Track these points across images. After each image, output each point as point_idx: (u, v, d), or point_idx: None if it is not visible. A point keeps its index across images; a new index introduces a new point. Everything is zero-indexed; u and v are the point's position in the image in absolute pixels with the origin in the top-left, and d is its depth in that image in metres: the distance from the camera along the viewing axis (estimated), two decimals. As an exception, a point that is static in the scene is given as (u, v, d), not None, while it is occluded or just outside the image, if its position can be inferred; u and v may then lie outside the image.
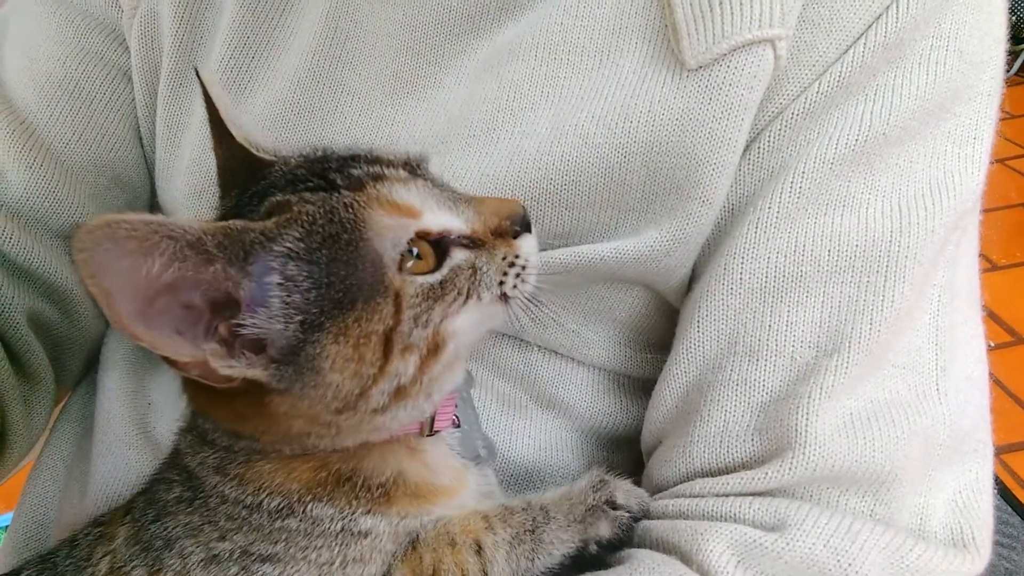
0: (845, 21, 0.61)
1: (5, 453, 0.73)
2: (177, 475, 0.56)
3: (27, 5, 0.79)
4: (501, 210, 0.54)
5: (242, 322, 0.46)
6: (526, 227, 0.54)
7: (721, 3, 0.60)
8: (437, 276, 0.49)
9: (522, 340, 0.71)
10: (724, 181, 0.62)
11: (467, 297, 0.50)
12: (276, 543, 0.50)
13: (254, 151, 0.57)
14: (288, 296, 0.46)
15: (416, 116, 0.72)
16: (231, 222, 0.46)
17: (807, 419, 0.56)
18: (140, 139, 0.82)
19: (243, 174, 0.56)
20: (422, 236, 0.50)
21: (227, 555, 0.50)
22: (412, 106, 0.72)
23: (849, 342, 0.58)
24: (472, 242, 0.52)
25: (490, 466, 0.65)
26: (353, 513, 0.52)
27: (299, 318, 0.46)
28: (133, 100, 0.80)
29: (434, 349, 0.49)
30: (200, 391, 0.50)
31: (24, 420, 0.74)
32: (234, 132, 0.58)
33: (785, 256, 0.60)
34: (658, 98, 0.62)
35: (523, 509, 0.58)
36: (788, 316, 0.60)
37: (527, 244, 0.54)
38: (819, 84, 0.62)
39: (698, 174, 0.62)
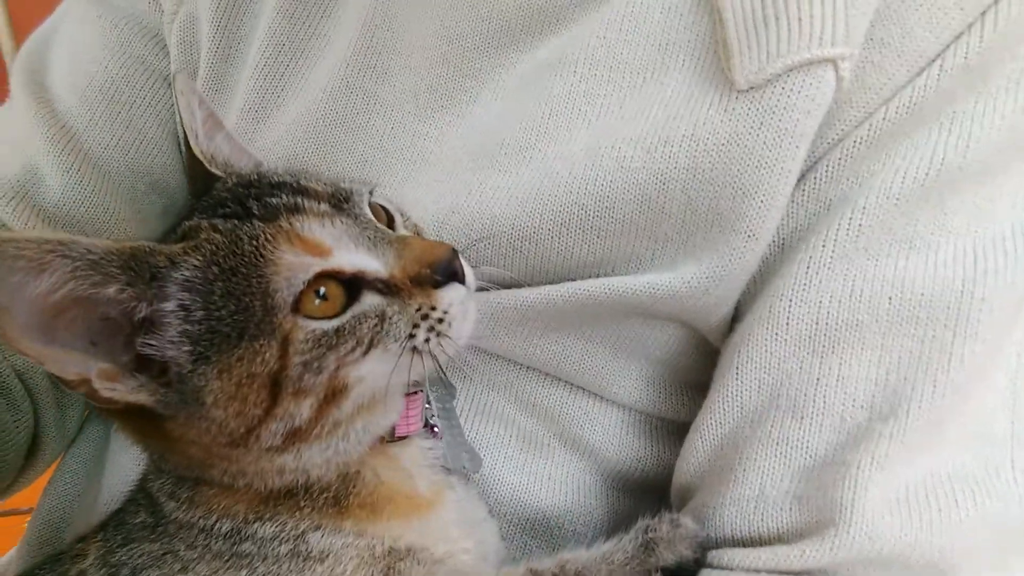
0: (919, 40, 0.55)
1: (38, 455, 0.74)
2: (143, 499, 0.55)
3: (76, 9, 0.80)
4: (425, 256, 0.50)
5: (146, 343, 0.46)
6: (451, 276, 0.50)
7: (777, 17, 0.55)
8: (334, 323, 0.47)
9: (547, 374, 0.67)
10: (773, 214, 0.56)
11: (369, 347, 0.47)
12: (240, 570, 0.48)
13: (206, 163, 0.57)
14: (181, 325, 0.46)
15: (449, 131, 0.69)
16: (140, 243, 0.47)
17: (854, 491, 0.50)
18: (178, 145, 0.81)
19: (202, 185, 0.57)
20: (332, 276, 0.47)
21: None
22: (446, 121, 0.69)
23: (908, 405, 0.51)
24: (387, 287, 0.49)
25: (474, 476, 0.63)
26: (298, 530, 0.49)
27: (187, 348, 0.46)
28: (172, 106, 0.79)
29: (332, 396, 0.47)
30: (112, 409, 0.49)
31: (57, 423, 0.75)
32: (192, 142, 0.57)
33: (839, 301, 0.54)
34: (703, 121, 0.56)
35: (554, 575, 0.54)
36: (840, 370, 0.53)
37: (449, 295, 0.50)
38: (887, 110, 0.55)
39: (744, 205, 0.56)
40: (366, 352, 0.47)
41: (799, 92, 0.54)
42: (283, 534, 0.49)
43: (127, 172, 0.78)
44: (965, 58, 0.53)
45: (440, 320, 0.49)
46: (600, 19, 0.63)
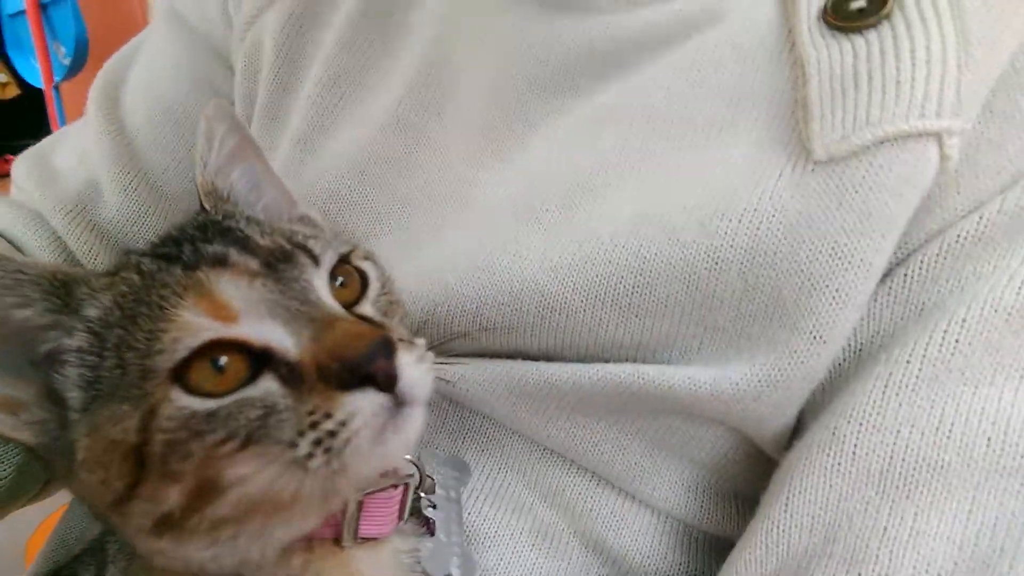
0: None
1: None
2: (100, 545, 0.51)
3: (159, 27, 0.81)
4: (340, 345, 0.39)
5: (55, 375, 0.42)
6: (365, 379, 0.38)
7: (871, 77, 0.45)
8: (209, 404, 0.38)
9: (573, 461, 0.59)
10: (848, 314, 0.46)
11: (246, 443, 0.38)
12: None
13: (200, 194, 0.52)
14: (77, 367, 0.41)
15: (494, 179, 0.63)
16: (76, 271, 0.43)
17: None
18: None
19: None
20: (236, 346, 0.39)
21: None
22: (494, 167, 0.63)
23: None
24: (291, 374, 0.39)
25: None
26: None
27: (77, 394, 0.41)
28: None
29: (204, 490, 0.38)
30: None
31: None
32: (197, 170, 0.53)
33: (923, 434, 0.43)
34: (769, 194, 0.47)
35: None
36: (914, 523, 0.43)
37: (356, 403, 0.38)
38: (1004, 200, 0.45)
39: (811, 300, 0.46)
40: (241, 449, 0.38)
41: (890, 170, 0.45)
42: None
43: (184, 195, 0.77)
44: None
45: (332, 433, 0.38)
46: (666, 66, 0.55)
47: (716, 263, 0.49)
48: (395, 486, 0.49)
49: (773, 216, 0.47)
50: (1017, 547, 0.40)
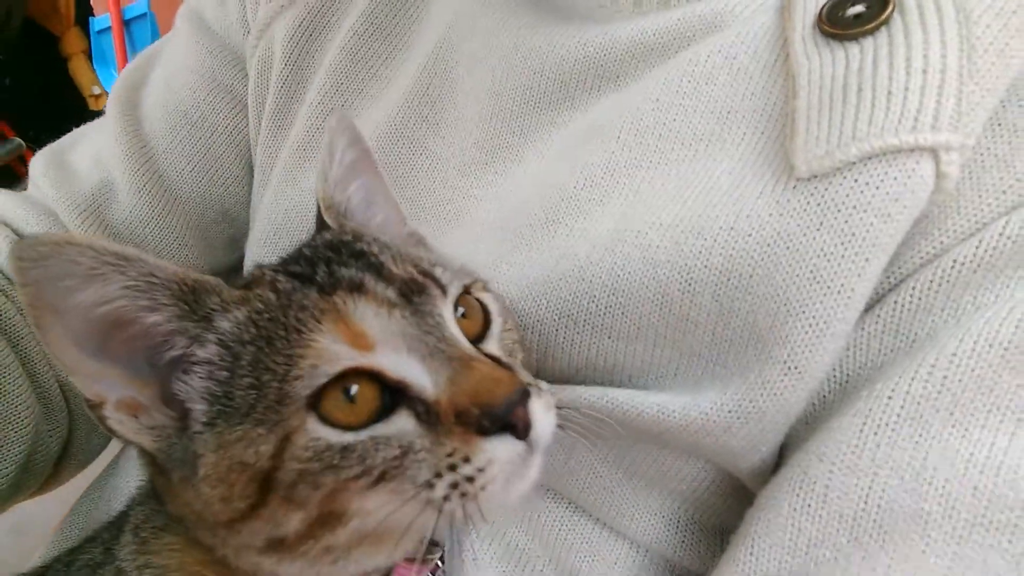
0: None
1: (64, 465, 0.75)
2: (109, 531, 0.51)
3: (181, 30, 0.82)
4: (480, 389, 0.38)
5: (179, 382, 0.41)
6: (505, 426, 0.38)
7: (860, 88, 0.42)
8: (346, 438, 0.37)
9: (549, 488, 0.56)
10: (826, 344, 0.43)
11: (379, 480, 0.37)
12: None
13: (322, 208, 0.51)
14: (205, 380, 0.40)
15: (488, 192, 0.62)
16: (206, 278, 0.42)
17: None
18: (252, 177, 0.82)
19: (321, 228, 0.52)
20: (371, 376, 0.39)
21: None
22: (488, 180, 0.62)
23: None
24: (428, 414, 0.38)
25: None
26: None
27: (203, 407, 0.40)
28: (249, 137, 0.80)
29: (327, 519, 0.38)
30: None
31: (87, 437, 0.76)
32: (319, 183, 0.52)
33: (903, 479, 0.39)
34: (747, 212, 0.45)
35: None
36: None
37: (496, 449, 0.38)
38: (1008, 223, 0.40)
39: (786, 327, 0.43)
40: (374, 484, 0.38)
41: (876, 188, 0.41)
42: None
43: (198, 199, 0.79)
44: None
45: (470, 479, 0.38)
46: (658, 78, 0.53)
47: (689, 284, 0.46)
48: (424, 561, 0.48)
49: (749, 236, 0.44)
50: None
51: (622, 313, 0.48)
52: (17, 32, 2.55)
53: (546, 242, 0.54)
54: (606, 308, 0.49)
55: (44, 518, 0.87)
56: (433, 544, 0.50)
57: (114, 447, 0.80)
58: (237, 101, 0.79)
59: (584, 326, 0.50)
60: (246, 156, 0.80)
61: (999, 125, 0.42)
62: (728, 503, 0.53)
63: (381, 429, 0.38)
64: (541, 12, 0.62)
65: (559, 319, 0.50)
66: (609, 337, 0.49)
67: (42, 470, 0.72)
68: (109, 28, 2.43)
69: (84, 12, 2.61)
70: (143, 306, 0.40)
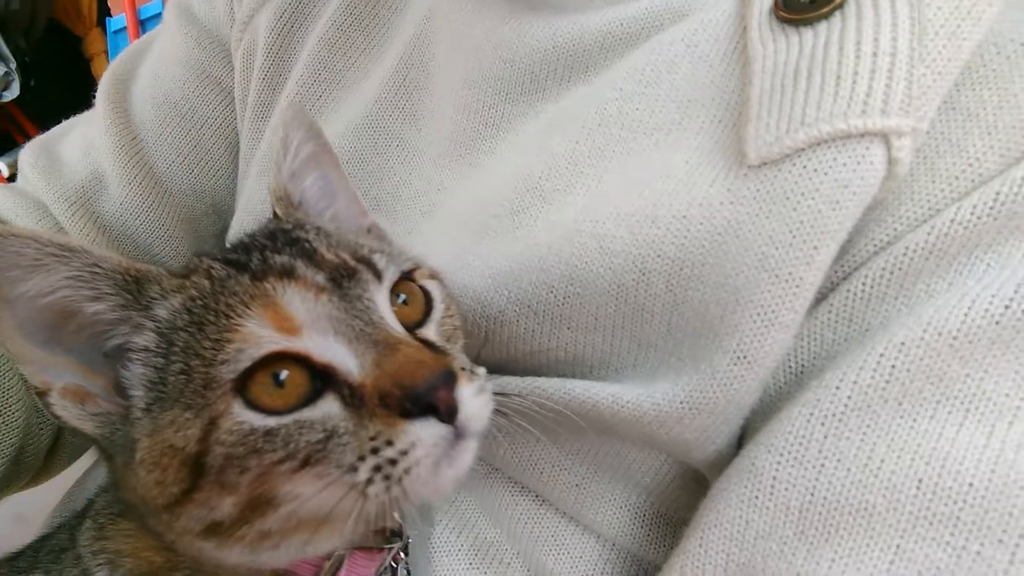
0: None
1: (54, 460, 0.77)
2: (77, 520, 0.52)
3: (170, 23, 0.83)
4: (403, 373, 0.38)
5: (121, 366, 0.42)
6: (427, 408, 0.38)
7: (810, 73, 0.41)
8: (269, 422, 0.38)
9: (516, 481, 0.56)
10: (775, 334, 0.42)
11: (304, 464, 0.38)
12: None
13: (272, 198, 0.52)
14: (142, 367, 0.42)
15: (462, 184, 0.62)
16: (149, 268, 0.43)
17: None
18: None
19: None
20: (298, 360, 0.39)
21: None
22: (461, 172, 0.62)
23: None
24: (353, 397, 0.39)
25: None
26: None
27: (141, 393, 0.41)
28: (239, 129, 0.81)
29: (256, 504, 0.38)
30: None
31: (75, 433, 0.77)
32: (273, 174, 0.53)
33: (849, 471, 0.39)
34: (699, 200, 0.44)
35: None
36: (830, 570, 0.38)
37: (418, 432, 0.38)
38: (961, 208, 0.39)
39: (735, 316, 0.43)
40: (300, 468, 0.38)
41: (825, 174, 0.40)
42: None
43: (188, 191, 0.80)
44: None
45: (393, 462, 0.38)
46: (623, 67, 0.53)
47: (644, 274, 0.46)
48: (381, 549, 0.49)
49: (701, 225, 0.44)
50: None
51: (580, 303, 0.48)
52: (41, 33, 2.61)
53: (511, 233, 0.54)
54: (564, 298, 0.49)
55: (46, 505, 0.89)
56: (394, 534, 0.51)
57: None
58: (226, 93, 0.80)
59: (544, 317, 0.50)
60: (235, 148, 0.81)
61: (953, 109, 0.41)
62: (692, 497, 0.52)
63: (307, 413, 0.38)
64: (514, 3, 0.61)
65: (521, 310, 0.50)
66: (568, 328, 0.49)
67: (33, 463, 0.73)
68: (125, 28, 2.47)
69: (103, 13, 2.65)
70: (86, 296, 0.40)
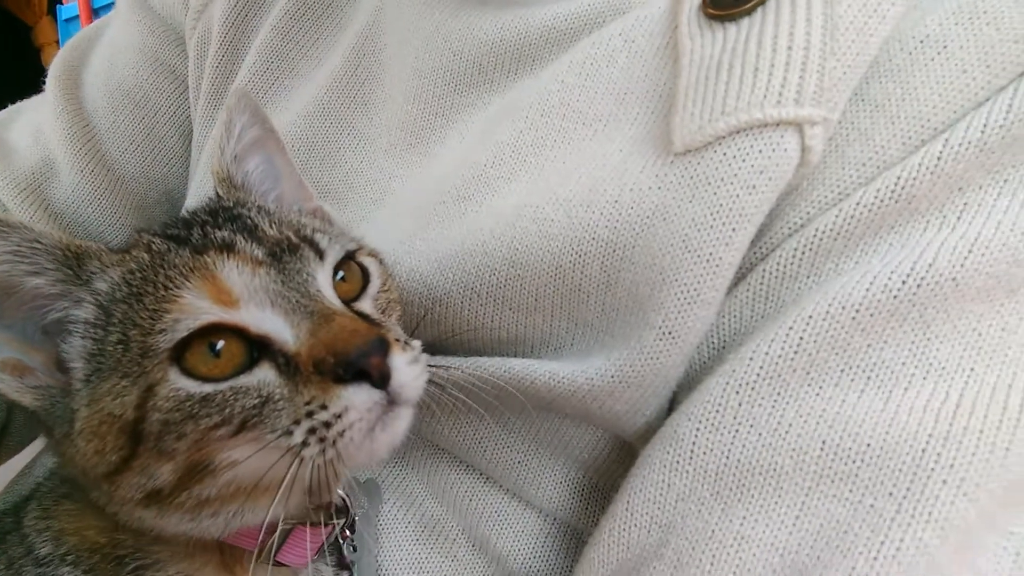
0: (924, 104, 0.42)
1: (3, 445, 0.77)
2: (23, 503, 0.53)
3: (123, 11, 0.84)
4: (337, 341, 0.40)
5: (61, 341, 0.44)
6: (359, 374, 0.40)
7: (731, 66, 0.45)
8: (205, 388, 0.40)
9: (461, 459, 0.59)
10: (697, 311, 0.46)
11: (240, 429, 0.40)
12: None
13: (215, 180, 0.55)
14: (82, 339, 0.43)
15: (412, 172, 0.64)
16: (88, 244, 0.45)
17: None
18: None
19: None
20: (235, 332, 0.41)
21: None
22: (412, 161, 0.65)
23: None
24: (288, 365, 0.41)
25: None
26: None
27: (80, 365, 0.43)
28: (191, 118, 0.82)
29: (194, 470, 0.40)
30: None
31: (26, 419, 0.77)
32: (216, 157, 0.55)
33: (760, 435, 0.42)
34: (630, 186, 0.47)
35: None
36: (742, 527, 0.41)
37: (351, 397, 0.40)
38: (866, 192, 0.43)
39: (661, 294, 0.46)
40: (235, 434, 0.40)
41: (743, 161, 0.44)
42: None
43: (141, 178, 0.81)
44: (982, 132, 0.40)
45: (327, 424, 0.40)
46: (565, 60, 0.56)
47: (580, 256, 0.49)
48: (324, 524, 0.51)
49: (632, 209, 0.47)
50: (833, 555, 0.39)
51: (521, 285, 0.51)
52: (-11, 23, 2.56)
53: (457, 218, 0.56)
54: (506, 280, 0.51)
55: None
56: (340, 512, 0.53)
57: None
58: (179, 81, 0.81)
59: (487, 299, 0.52)
60: (188, 135, 0.82)
61: (862, 100, 0.44)
62: (626, 470, 0.55)
63: (243, 380, 0.40)
64: None
65: (465, 292, 0.53)
66: (510, 309, 0.52)
67: None
68: (77, 16, 2.43)
69: (55, 1, 2.61)
70: (25, 270, 0.42)
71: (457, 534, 0.59)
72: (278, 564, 0.49)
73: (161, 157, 0.82)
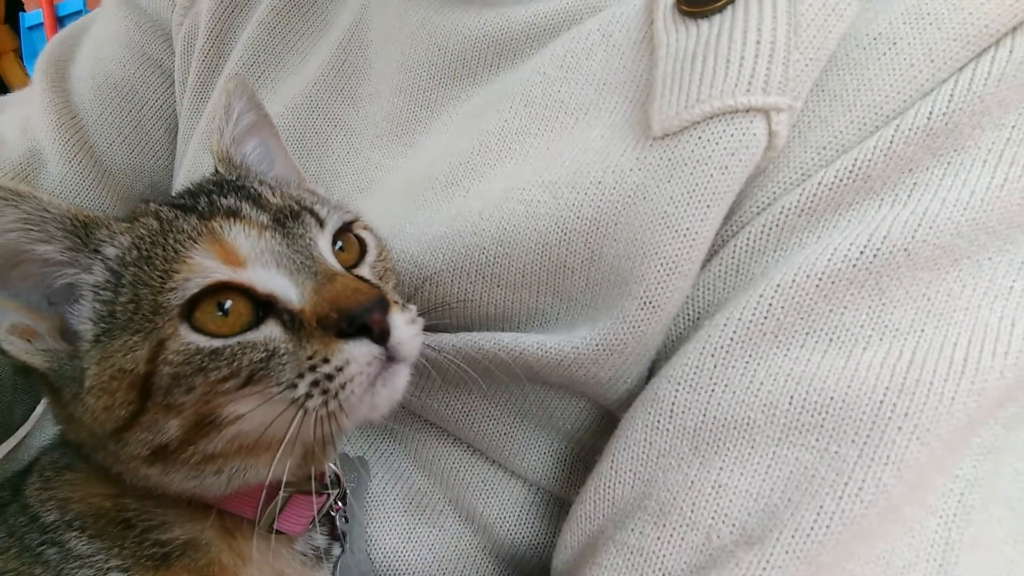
0: (878, 94, 0.47)
1: None
2: (18, 477, 0.55)
3: (109, 6, 0.87)
4: (340, 298, 0.43)
5: (69, 310, 0.46)
6: (361, 330, 0.43)
7: (705, 57, 0.49)
8: (214, 343, 0.42)
9: (448, 432, 0.62)
10: (675, 282, 0.50)
11: (247, 382, 0.42)
12: None
13: (215, 160, 0.57)
14: (92, 302, 0.46)
15: (399, 162, 0.68)
16: (95, 215, 0.47)
17: None
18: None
19: None
20: (242, 291, 0.44)
21: None
22: (398, 151, 0.68)
23: (781, 532, 0.42)
24: (293, 321, 0.44)
25: None
26: (107, 563, 0.46)
27: (89, 327, 0.45)
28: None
29: (201, 424, 0.43)
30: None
31: (9, 409, 0.78)
32: (215, 140, 0.58)
33: (734, 394, 0.46)
34: (612, 168, 0.51)
35: None
36: (718, 477, 0.45)
37: (352, 351, 0.43)
38: (826, 173, 0.48)
39: (643, 267, 0.50)
40: (242, 387, 0.42)
41: (716, 144, 0.48)
42: (90, 560, 0.47)
43: (128, 170, 0.83)
44: (928, 119, 0.45)
45: (330, 377, 0.42)
46: (546, 54, 0.60)
47: (565, 234, 0.52)
48: (319, 493, 0.54)
49: (615, 188, 0.51)
50: (803, 497, 0.43)
51: (509, 263, 0.55)
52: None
53: (446, 203, 0.60)
54: (495, 259, 0.55)
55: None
56: (333, 484, 0.56)
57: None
58: (166, 75, 0.84)
59: (477, 277, 0.56)
60: (174, 129, 0.84)
61: (822, 91, 0.49)
62: (607, 441, 0.59)
63: (250, 336, 0.43)
64: None
65: (455, 271, 0.56)
66: (499, 286, 0.56)
67: None
68: (41, 24, 2.42)
69: (14, 9, 2.59)
70: (36, 237, 0.45)
71: (444, 505, 0.62)
72: (276, 533, 0.51)
73: (148, 150, 0.84)
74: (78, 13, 2.35)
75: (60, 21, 2.38)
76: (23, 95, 0.86)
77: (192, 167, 0.76)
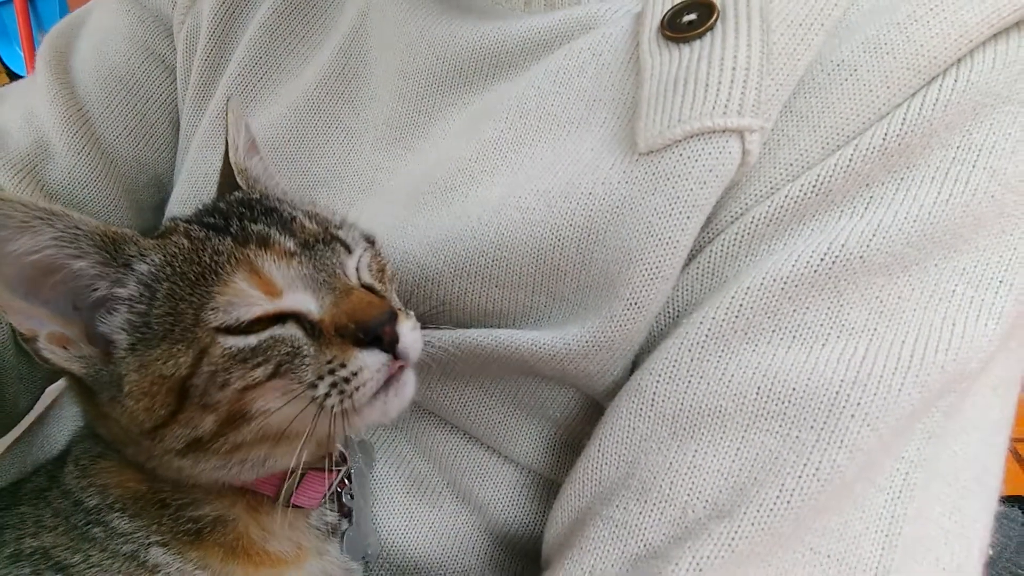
0: (838, 116, 0.53)
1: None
2: (54, 464, 0.60)
3: (108, 0, 0.90)
4: (356, 311, 0.50)
5: (102, 320, 0.51)
6: (374, 340, 0.50)
7: (687, 81, 0.55)
8: (251, 339, 0.49)
9: (445, 420, 0.68)
10: (658, 285, 0.56)
11: (274, 373, 0.48)
12: (76, 553, 0.52)
13: (236, 174, 0.63)
14: (126, 313, 0.51)
15: (399, 166, 0.73)
16: (124, 231, 0.52)
17: None
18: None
19: (228, 190, 0.63)
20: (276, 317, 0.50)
21: (28, 552, 0.53)
22: (398, 155, 0.73)
23: (748, 507, 0.49)
24: (312, 329, 0.50)
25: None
26: (148, 539, 0.52)
27: (124, 336, 0.50)
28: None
29: (234, 418, 0.49)
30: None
31: (14, 400, 0.82)
32: (231, 153, 0.63)
33: (708, 385, 0.53)
34: (602, 180, 0.57)
35: None
36: (694, 458, 0.52)
37: (366, 359, 0.49)
38: (792, 187, 0.54)
39: (629, 272, 0.56)
40: (270, 377, 0.48)
41: (695, 161, 0.54)
42: (132, 535, 0.53)
43: (133, 163, 0.87)
44: (883, 140, 0.52)
45: (346, 380, 0.49)
46: (541, 68, 0.65)
47: (558, 240, 0.58)
48: (330, 470, 0.60)
49: (604, 199, 0.57)
50: (767, 476, 0.49)
51: (506, 265, 0.60)
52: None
53: (445, 206, 0.65)
54: (493, 261, 0.61)
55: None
56: (340, 463, 0.62)
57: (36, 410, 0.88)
58: (169, 70, 0.88)
59: (475, 277, 0.62)
60: (177, 123, 0.89)
61: (790, 112, 0.55)
62: (593, 427, 0.66)
63: (277, 331, 0.49)
64: (445, 5, 0.73)
65: (455, 272, 0.62)
66: (496, 286, 0.61)
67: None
68: (11, 2, 2.41)
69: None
70: (70, 254, 0.50)
71: (442, 488, 0.69)
72: (294, 507, 0.57)
73: (153, 142, 0.88)
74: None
75: (32, 0, 2.38)
76: (21, 86, 0.89)
77: (195, 165, 0.80)
